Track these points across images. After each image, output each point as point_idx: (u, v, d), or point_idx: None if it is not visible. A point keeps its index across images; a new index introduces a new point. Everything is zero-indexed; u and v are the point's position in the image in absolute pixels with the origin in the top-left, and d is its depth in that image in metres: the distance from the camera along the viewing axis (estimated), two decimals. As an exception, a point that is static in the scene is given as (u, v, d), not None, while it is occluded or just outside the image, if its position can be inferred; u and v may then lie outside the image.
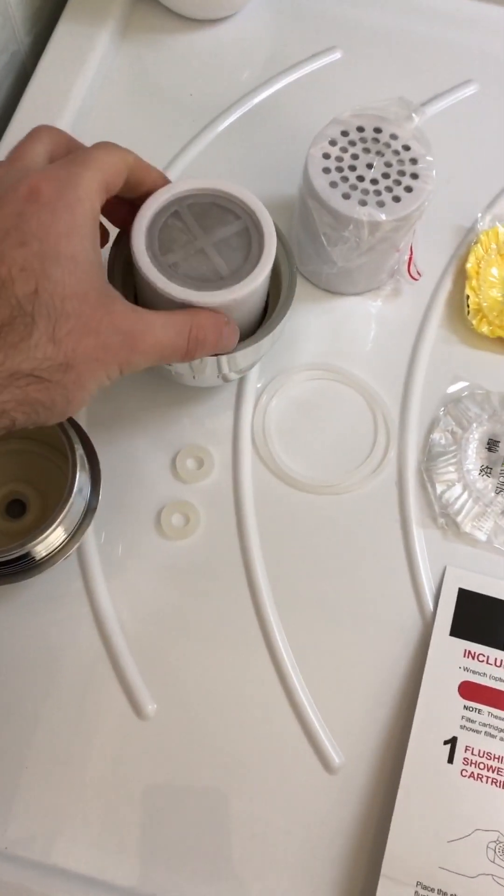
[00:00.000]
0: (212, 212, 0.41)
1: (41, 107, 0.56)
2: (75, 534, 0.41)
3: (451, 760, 0.41)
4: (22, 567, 0.40)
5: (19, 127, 0.55)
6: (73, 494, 0.40)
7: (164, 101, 0.59)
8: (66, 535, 0.41)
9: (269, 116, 0.59)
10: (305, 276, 0.53)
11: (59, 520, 0.39)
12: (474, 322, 0.51)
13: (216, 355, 0.42)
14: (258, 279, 0.39)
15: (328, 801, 0.42)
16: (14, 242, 0.32)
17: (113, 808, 0.41)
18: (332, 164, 0.46)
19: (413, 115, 0.47)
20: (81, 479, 0.41)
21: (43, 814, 0.41)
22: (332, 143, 0.47)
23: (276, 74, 0.60)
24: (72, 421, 0.43)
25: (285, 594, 0.46)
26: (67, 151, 0.37)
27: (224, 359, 0.43)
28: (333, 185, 0.46)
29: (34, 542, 0.39)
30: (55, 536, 0.40)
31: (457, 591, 0.46)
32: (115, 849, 0.41)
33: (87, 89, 0.57)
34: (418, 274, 0.52)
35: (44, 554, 0.40)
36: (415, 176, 0.46)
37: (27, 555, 0.39)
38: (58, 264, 0.32)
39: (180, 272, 0.39)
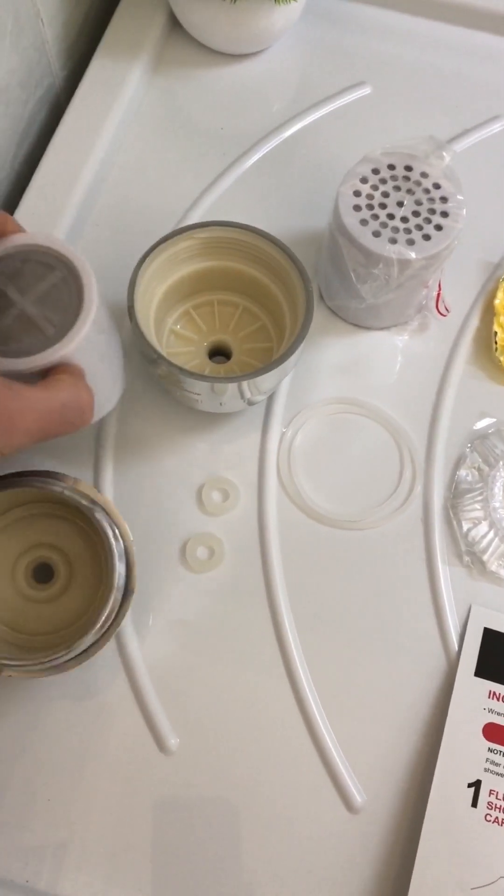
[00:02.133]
0: (25, 270, 0.37)
1: (74, 139, 0.56)
2: (114, 621, 0.41)
3: (475, 804, 0.41)
4: (77, 652, 0.40)
5: (53, 159, 0.56)
6: (112, 593, 0.40)
7: (194, 135, 0.59)
8: (105, 627, 0.41)
9: (298, 151, 0.59)
10: (332, 309, 0.53)
11: (99, 624, 0.39)
12: (502, 359, 0.51)
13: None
14: (82, 330, 0.36)
15: (349, 842, 0.42)
16: None
17: (131, 845, 0.41)
18: (362, 201, 0.47)
19: (443, 153, 0.47)
20: (118, 546, 0.41)
21: (64, 850, 0.41)
22: (363, 180, 0.47)
23: (306, 109, 0.60)
24: (89, 489, 0.42)
25: (309, 629, 0.45)
26: None
27: (245, 383, 0.43)
28: (364, 222, 0.46)
29: (76, 649, 0.39)
30: (112, 605, 0.40)
31: (482, 630, 0.45)
32: (132, 885, 0.40)
33: (119, 122, 0.58)
34: (446, 310, 0.53)
35: (83, 648, 0.40)
36: (445, 214, 0.46)
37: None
38: None
39: (9, 341, 0.36)
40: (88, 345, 0.37)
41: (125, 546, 0.42)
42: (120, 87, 0.59)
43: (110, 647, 0.45)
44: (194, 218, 0.56)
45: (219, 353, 0.51)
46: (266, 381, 0.44)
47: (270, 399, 0.51)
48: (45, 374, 0.36)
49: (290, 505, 0.48)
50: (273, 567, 0.47)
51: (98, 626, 0.39)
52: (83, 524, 0.45)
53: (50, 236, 0.37)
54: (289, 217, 0.56)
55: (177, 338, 0.51)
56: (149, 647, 0.45)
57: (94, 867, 0.41)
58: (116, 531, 0.42)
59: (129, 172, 0.58)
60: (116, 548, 0.41)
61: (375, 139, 0.50)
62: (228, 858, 0.41)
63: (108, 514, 0.43)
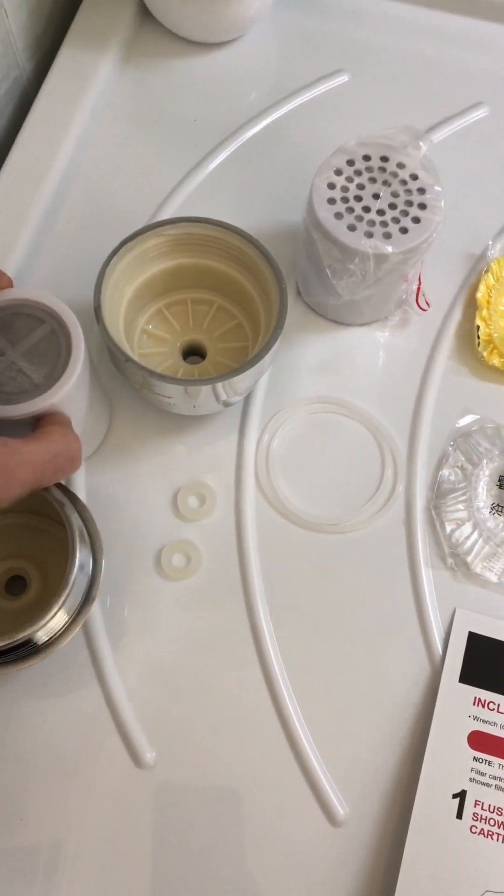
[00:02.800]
0: (16, 322, 0.39)
1: (43, 133, 0.55)
2: (79, 613, 0.40)
3: (459, 816, 0.40)
4: (23, 654, 0.38)
5: (21, 154, 0.54)
6: (73, 575, 0.38)
7: (167, 127, 0.58)
8: (68, 617, 0.39)
9: (274, 141, 0.58)
10: (311, 306, 0.52)
11: (59, 605, 0.38)
12: (485, 354, 0.50)
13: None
14: (70, 380, 0.38)
15: (332, 856, 0.40)
16: None
17: (108, 860, 0.40)
18: (337, 194, 0.45)
19: (420, 143, 0.46)
20: (82, 555, 0.39)
21: (43, 864, 0.40)
22: (338, 172, 0.46)
23: (283, 98, 0.59)
24: (64, 489, 0.41)
25: (289, 638, 0.44)
26: None
27: (220, 385, 0.42)
28: (339, 216, 0.45)
29: (34, 629, 0.37)
30: (56, 621, 0.39)
31: (466, 634, 0.44)
32: (111, 905, 0.39)
33: (89, 115, 0.56)
34: (427, 304, 0.51)
35: (45, 639, 0.39)
36: (423, 206, 0.45)
37: (28, 641, 0.38)
38: None
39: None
40: (75, 393, 0.39)
41: (93, 549, 0.41)
42: (89, 79, 0.57)
43: (83, 657, 0.43)
44: (168, 212, 0.54)
45: (193, 352, 0.50)
46: (241, 381, 0.43)
47: (248, 399, 0.49)
48: (34, 421, 0.38)
49: (268, 509, 0.47)
50: (252, 574, 0.45)
51: (55, 609, 0.38)
52: (57, 533, 0.44)
53: (41, 292, 0.40)
54: (265, 210, 0.55)
55: (149, 338, 0.49)
56: (123, 657, 0.43)
57: (65, 886, 0.40)
58: (85, 533, 0.41)
59: (100, 166, 0.56)
60: (77, 526, 0.39)
61: (354, 128, 0.48)
62: (207, 877, 0.40)
63: (82, 518, 0.41)
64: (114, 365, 0.46)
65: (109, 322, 0.43)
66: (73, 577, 0.38)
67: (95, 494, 0.47)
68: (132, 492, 0.47)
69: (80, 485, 0.47)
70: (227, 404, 0.47)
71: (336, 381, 0.50)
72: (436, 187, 0.45)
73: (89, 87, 0.57)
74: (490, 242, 0.53)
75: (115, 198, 0.55)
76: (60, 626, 0.39)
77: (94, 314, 0.43)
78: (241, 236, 0.45)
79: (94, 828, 0.41)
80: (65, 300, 0.40)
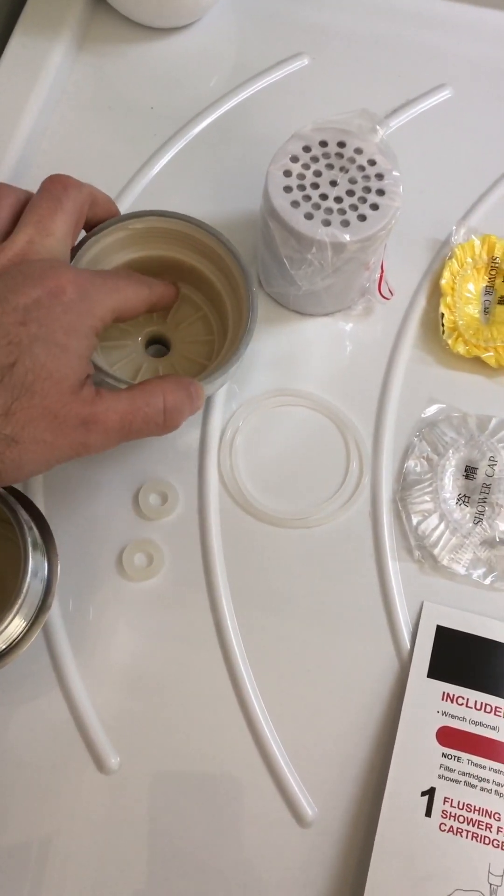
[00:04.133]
0: None
1: (-6, 124, 0.53)
2: (37, 618, 0.39)
3: (428, 813, 0.39)
4: None
5: (-28, 146, 0.53)
6: (27, 583, 0.37)
7: (124, 115, 0.56)
8: (26, 623, 0.38)
9: (234, 128, 0.56)
10: (272, 296, 0.51)
11: (14, 612, 0.37)
12: (450, 341, 0.49)
13: None
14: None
15: (301, 857, 0.40)
16: (16, 320, 0.33)
17: (71, 867, 0.39)
18: (293, 181, 0.44)
19: (377, 127, 0.45)
20: (35, 561, 0.38)
21: (7, 874, 0.39)
22: (294, 159, 0.45)
23: (242, 83, 0.57)
24: (17, 493, 0.40)
25: (254, 635, 0.43)
26: (84, 218, 0.41)
27: None
28: (295, 204, 0.43)
29: None
30: (13, 627, 0.37)
31: (435, 628, 0.43)
32: (76, 915, 0.39)
33: (42, 106, 0.55)
34: (390, 293, 0.50)
35: (3, 647, 0.38)
36: (381, 192, 0.44)
37: None
38: (46, 347, 0.33)
39: None
40: None
41: (48, 554, 0.40)
42: (42, 68, 0.55)
43: (44, 663, 0.42)
44: (126, 202, 0.53)
45: (156, 342, 0.49)
46: (211, 386, 0.42)
47: (209, 399, 0.48)
48: None
49: (232, 505, 0.46)
50: (216, 572, 0.44)
51: (11, 617, 0.37)
52: (9, 533, 0.43)
53: None
54: (225, 199, 0.54)
55: (112, 329, 0.48)
56: (85, 661, 0.43)
57: (19, 891, 0.39)
58: (39, 539, 0.40)
59: (55, 158, 0.54)
60: (28, 532, 0.38)
61: (314, 113, 0.47)
62: (173, 880, 0.39)
63: (36, 523, 0.40)
64: None
65: None
66: (26, 585, 0.37)
67: (54, 494, 0.46)
68: (92, 491, 0.46)
69: (38, 484, 0.46)
70: None
71: (299, 372, 0.49)
72: (394, 172, 0.44)
73: (42, 75, 0.55)
74: (454, 228, 0.52)
75: (70, 189, 0.53)
76: (17, 634, 0.38)
77: None
78: (208, 232, 0.45)
79: (57, 835, 0.40)
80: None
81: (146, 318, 0.48)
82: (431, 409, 0.48)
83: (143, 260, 0.47)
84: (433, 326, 0.50)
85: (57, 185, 0.39)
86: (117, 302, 0.38)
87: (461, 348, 0.49)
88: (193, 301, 0.49)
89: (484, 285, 0.51)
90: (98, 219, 0.43)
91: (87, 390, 0.35)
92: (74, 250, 0.43)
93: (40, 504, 0.45)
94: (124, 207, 0.53)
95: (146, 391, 0.38)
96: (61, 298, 0.34)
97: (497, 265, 0.51)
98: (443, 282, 0.50)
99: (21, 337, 0.33)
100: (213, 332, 0.48)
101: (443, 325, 0.49)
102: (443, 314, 0.50)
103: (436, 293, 0.51)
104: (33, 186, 0.53)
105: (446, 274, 0.51)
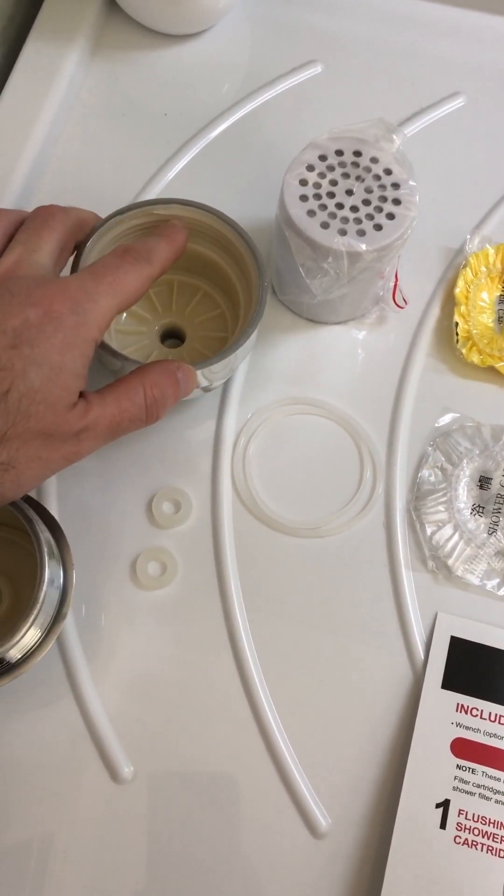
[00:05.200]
0: None
1: (8, 131, 0.53)
2: (52, 627, 0.39)
3: (443, 826, 0.39)
4: None
5: (-14, 152, 0.53)
6: (43, 592, 0.37)
7: (138, 122, 0.56)
8: (41, 632, 0.38)
9: (247, 135, 0.56)
10: (286, 304, 0.51)
11: (30, 622, 0.37)
12: (464, 351, 0.49)
13: None
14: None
15: (315, 869, 0.40)
16: (7, 343, 0.32)
17: (85, 878, 0.39)
18: (309, 191, 0.44)
19: (394, 136, 0.45)
20: (51, 570, 0.38)
21: (23, 883, 0.39)
22: (310, 168, 0.45)
23: (255, 90, 0.57)
24: (33, 502, 0.40)
25: (267, 645, 0.43)
26: (75, 237, 0.40)
27: (199, 371, 0.41)
28: (311, 213, 0.43)
29: (6, 648, 0.36)
30: (29, 637, 0.37)
31: (449, 639, 0.43)
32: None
33: (56, 112, 0.55)
34: (404, 301, 0.50)
35: (18, 657, 0.38)
36: (397, 202, 0.44)
37: (1, 660, 0.37)
38: (39, 370, 0.33)
39: None
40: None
41: (63, 563, 0.40)
42: (56, 74, 0.55)
43: (58, 671, 0.42)
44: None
45: (172, 335, 0.49)
46: (213, 372, 0.42)
47: (222, 402, 0.48)
48: None
49: (245, 514, 0.46)
50: (229, 581, 0.44)
51: (27, 626, 0.37)
52: (25, 542, 0.43)
53: None
54: (239, 206, 0.53)
55: (129, 315, 0.48)
56: (99, 670, 0.42)
57: (46, 908, 0.39)
58: (55, 547, 0.40)
59: (68, 164, 0.54)
60: (45, 538, 0.38)
61: (328, 120, 0.47)
62: (185, 890, 0.39)
63: (51, 531, 0.40)
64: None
65: None
66: (42, 594, 0.37)
67: (67, 501, 0.46)
68: (106, 498, 0.46)
69: (52, 491, 0.46)
70: (207, 390, 0.46)
71: (312, 381, 0.49)
72: (410, 182, 0.44)
73: (56, 81, 0.55)
74: (468, 237, 0.52)
75: (83, 195, 0.53)
76: (33, 643, 0.38)
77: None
78: (230, 226, 0.45)
79: (70, 844, 0.40)
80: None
81: (165, 308, 0.49)
82: (445, 419, 0.48)
83: None
84: (447, 335, 0.50)
85: (43, 211, 0.39)
86: (116, 299, 0.36)
87: (475, 357, 0.49)
88: (213, 298, 0.49)
89: (498, 294, 0.51)
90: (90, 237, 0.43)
91: (80, 404, 0.35)
92: (91, 231, 0.43)
93: (54, 511, 0.45)
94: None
95: (129, 388, 0.38)
96: (52, 315, 0.33)
97: (511, 274, 0.51)
98: (457, 291, 0.50)
99: (14, 361, 0.32)
100: (228, 329, 0.48)
101: (457, 334, 0.49)
102: (457, 323, 0.49)
103: (450, 302, 0.51)
104: (47, 193, 0.53)
105: (460, 283, 0.51)
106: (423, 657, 0.43)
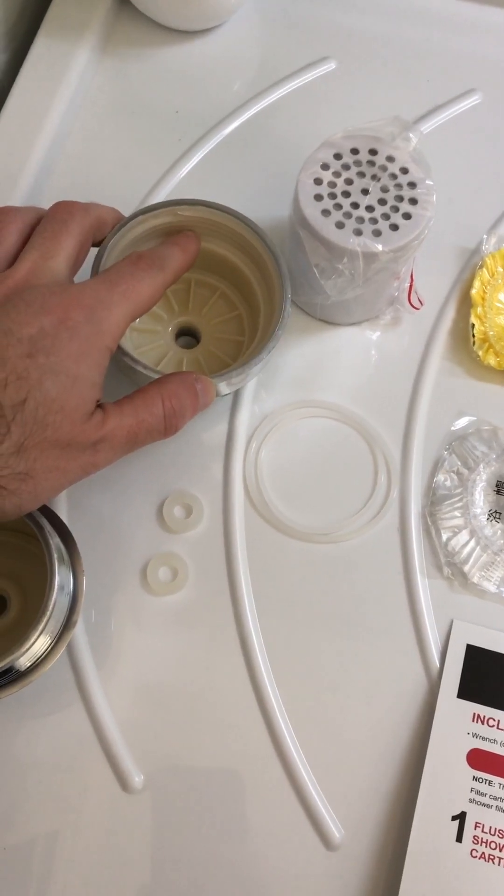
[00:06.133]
0: None
1: (17, 128, 0.53)
2: (62, 635, 0.38)
3: (459, 839, 0.38)
4: (5, 681, 0.36)
5: (-5, 150, 0.52)
6: (53, 599, 0.36)
7: (149, 119, 0.55)
8: (51, 640, 0.38)
9: (260, 133, 0.55)
10: (299, 305, 0.50)
11: (40, 629, 0.36)
12: (480, 353, 0.48)
13: None
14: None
15: (327, 882, 0.39)
16: (23, 352, 0.32)
17: (94, 889, 0.39)
18: (324, 190, 0.43)
19: (410, 135, 0.44)
20: (61, 577, 0.37)
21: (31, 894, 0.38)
22: (325, 167, 0.44)
23: (268, 87, 0.57)
24: (43, 507, 0.39)
25: (280, 652, 0.43)
26: (93, 237, 0.40)
27: (219, 382, 0.41)
28: (326, 213, 0.43)
29: (16, 656, 0.35)
30: (39, 645, 0.37)
31: (465, 647, 0.42)
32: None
33: (66, 108, 0.54)
34: (420, 302, 0.49)
35: (28, 665, 0.37)
36: (413, 201, 0.43)
37: (10, 669, 0.36)
38: (56, 379, 0.32)
39: None
40: None
41: (74, 569, 0.39)
42: (66, 70, 0.55)
43: (67, 678, 0.42)
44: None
45: (188, 334, 0.48)
46: (231, 384, 0.41)
47: (234, 405, 0.48)
48: None
49: (257, 519, 0.45)
50: (241, 587, 0.44)
51: (37, 633, 0.36)
52: (34, 549, 0.42)
53: None
54: (251, 205, 0.52)
55: (145, 314, 0.48)
56: (109, 677, 0.42)
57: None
58: (65, 553, 0.39)
59: (77, 163, 0.54)
60: (55, 545, 0.38)
61: (342, 118, 0.46)
62: (198, 905, 0.38)
63: (61, 537, 0.40)
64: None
65: None
66: (52, 601, 0.36)
67: (78, 506, 0.45)
68: (116, 503, 0.45)
69: (62, 497, 0.45)
70: (218, 393, 0.45)
71: (326, 383, 0.48)
72: (427, 181, 0.43)
73: (66, 78, 0.54)
74: (485, 236, 0.51)
75: (93, 193, 0.52)
76: (43, 651, 0.38)
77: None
78: (254, 231, 0.44)
79: (81, 855, 0.39)
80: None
81: (182, 307, 0.48)
82: (461, 422, 0.47)
83: None
84: (463, 337, 0.49)
85: (62, 209, 0.38)
86: (130, 307, 0.36)
87: (492, 360, 0.48)
88: (230, 300, 0.48)
89: (515, 295, 0.50)
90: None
91: (97, 414, 0.35)
92: (117, 229, 0.42)
93: (64, 516, 0.44)
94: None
95: (147, 399, 0.37)
96: (67, 324, 0.33)
97: (528, 275, 0.50)
98: (473, 291, 0.49)
99: (30, 370, 0.32)
100: (245, 332, 0.48)
101: (473, 335, 0.48)
102: (473, 324, 0.49)
103: (465, 303, 0.50)
104: (56, 191, 0.52)
105: (476, 283, 0.50)
106: (438, 666, 0.42)
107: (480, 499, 0.45)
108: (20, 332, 0.32)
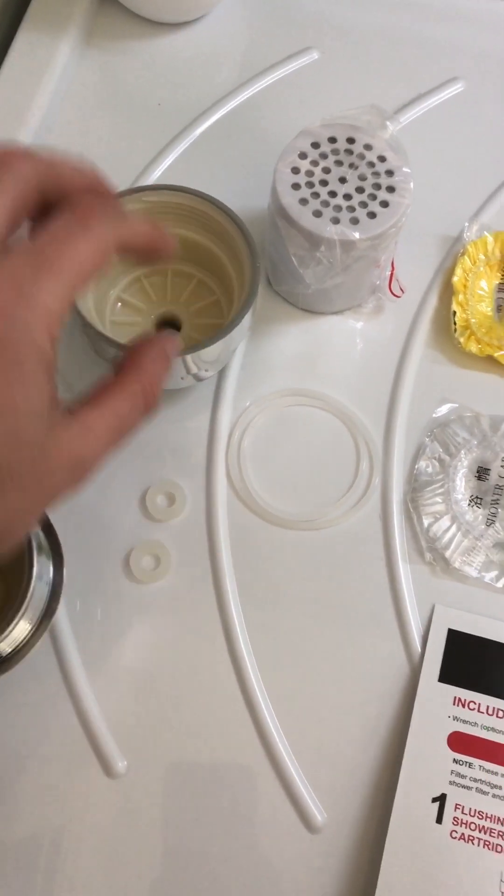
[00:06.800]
0: None
1: (1, 120, 0.53)
2: (42, 622, 0.38)
3: (439, 820, 0.39)
4: None
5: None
6: (32, 585, 0.37)
7: (132, 111, 0.56)
8: (31, 626, 0.38)
9: (243, 124, 0.56)
10: (281, 295, 0.50)
11: (19, 616, 0.36)
12: (462, 340, 0.48)
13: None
14: None
15: (310, 864, 0.39)
16: None
17: (78, 874, 0.39)
18: (301, 179, 0.43)
19: (387, 123, 0.44)
20: (40, 565, 0.38)
21: (14, 878, 0.39)
22: (302, 156, 0.44)
23: (250, 79, 0.57)
24: None
25: (262, 638, 0.43)
26: (40, 194, 0.28)
27: (189, 357, 0.41)
28: (303, 202, 0.43)
29: None
30: (19, 631, 0.37)
31: (446, 631, 0.43)
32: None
33: (49, 101, 0.54)
34: (401, 290, 0.49)
35: (9, 650, 0.37)
36: (391, 189, 0.43)
37: None
38: None
39: None
40: None
41: (54, 556, 0.39)
42: (48, 65, 0.55)
43: (51, 664, 0.42)
44: (133, 202, 0.53)
45: (168, 324, 0.49)
46: (204, 359, 0.41)
47: (217, 394, 0.48)
48: None
49: (240, 507, 0.46)
50: (224, 574, 0.44)
51: (16, 620, 0.37)
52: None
53: None
54: (235, 196, 0.52)
55: (124, 306, 0.48)
56: (92, 663, 0.42)
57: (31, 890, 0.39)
58: (44, 541, 0.39)
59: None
60: (38, 563, 0.38)
61: (325, 108, 0.46)
62: (180, 884, 0.39)
63: (41, 524, 0.40)
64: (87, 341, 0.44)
65: None
66: (31, 590, 0.37)
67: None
68: (99, 492, 0.46)
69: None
70: (197, 378, 0.45)
71: (309, 372, 0.49)
72: (404, 169, 0.43)
73: (48, 72, 0.55)
74: (466, 224, 0.51)
75: (77, 187, 0.53)
76: (23, 638, 0.38)
77: None
78: (221, 210, 0.44)
79: (66, 839, 0.39)
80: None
81: (161, 298, 0.48)
82: (443, 409, 0.48)
83: None
84: (445, 325, 0.49)
85: None
86: (63, 293, 0.26)
87: (474, 347, 0.48)
88: (207, 285, 0.48)
89: (497, 283, 0.50)
90: (66, 191, 0.29)
91: (63, 438, 0.27)
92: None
93: (47, 506, 0.45)
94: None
95: (125, 387, 0.30)
96: None
97: (510, 262, 0.50)
98: (455, 279, 0.50)
99: None
100: (224, 315, 0.48)
101: (455, 323, 0.49)
102: (455, 312, 0.49)
103: (448, 291, 0.50)
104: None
105: (458, 271, 0.50)
106: (420, 650, 0.43)
107: (462, 485, 0.45)
108: None
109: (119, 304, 0.48)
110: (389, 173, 0.43)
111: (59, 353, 0.48)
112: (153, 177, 0.53)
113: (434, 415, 0.47)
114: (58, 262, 0.26)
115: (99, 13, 0.58)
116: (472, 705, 0.41)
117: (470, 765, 0.39)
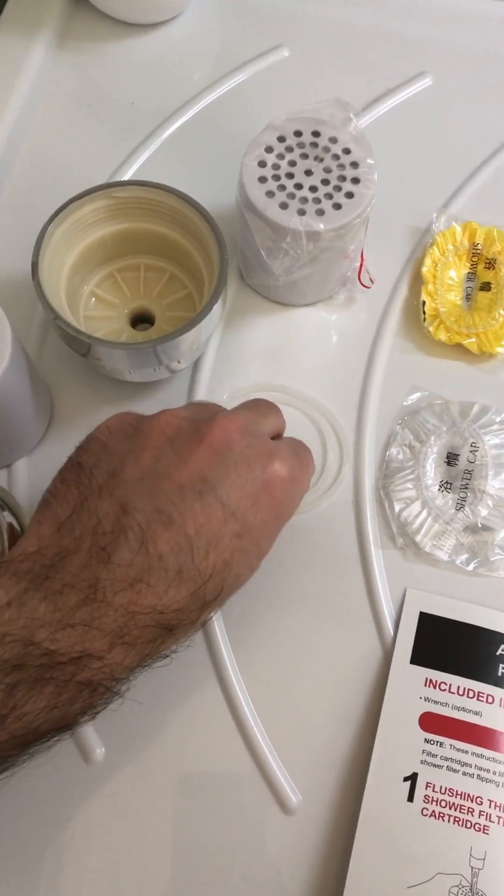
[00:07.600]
0: None
1: (-24, 124, 0.54)
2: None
3: (411, 798, 0.39)
4: None
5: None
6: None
7: (105, 112, 0.56)
8: None
9: (215, 121, 0.56)
10: (253, 287, 0.51)
11: None
12: (431, 329, 0.49)
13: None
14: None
15: (285, 844, 0.40)
16: (235, 531, 0.33)
17: (55, 858, 0.40)
18: (268, 172, 0.44)
19: (351, 116, 0.45)
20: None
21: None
22: (268, 150, 0.45)
23: (222, 77, 0.58)
24: None
25: (236, 623, 0.44)
26: None
27: (160, 348, 0.42)
28: (270, 194, 0.44)
29: None
30: None
31: (417, 614, 0.43)
32: (62, 904, 0.39)
33: (23, 103, 0.55)
34: (371, 281, 0.50)
35: None
36: (356, 181, 0.44)
37: None
38: (245, 561, 0.35)
39: None
40: (6, 385, 0.39)
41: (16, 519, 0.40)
42: (22, 67, 0.56)
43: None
44: (108, 200, 0.53)
45: (143, 320, 0.49)
46: (175, 348, 0.42)
47: (191, 387, 0.49)
48: None
49: (215, 496, 0.46)
50: (198, 562, 0.44)
51: None
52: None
53: None
54: (207, 192, 0.53)
55: (98, 301, 0.49)
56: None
57: (8, 889, 0.39)
58: (19, 531, 0.40)
59: (35, 156, 0.55)
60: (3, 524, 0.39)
61: (295, 104, 0.47)
62: (157, 869, 0.39)
63: (15, 516, 0.41)
64: (59, 335, 0.45)
65: (46, 279, 0.42)
66: None
67: (40, 492, 0.46)
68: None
69: (23, 480, 0.46)
70: (170, 370, 0.46)
71: (282, 364, 0.49)
72: (368, 160, 0.44)
73: (22, 74, 0.55)
74: (435, 216, 0.52)
75: (51, 187, 0.54)
76: None
77: (31, 269, 0.42)
78: (188, 203, 0.45)
79: (41, 822, 0.40)
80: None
81: (134, 293, 0.49)
82: (414, 397, 0.48)
83: (127, 232, 0.47)
84: (415, 314, 0.50)
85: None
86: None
87: (443, 335, 0.49)
88: (179, 279, 0.49)
89: (466, 272, 0.51)
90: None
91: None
92: (55, 213, 0.43)
93: (24, 495, 0.45)
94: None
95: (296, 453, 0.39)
96: (273, 493, 0.36)
97: (479, 252, 0.51)
98: (424, 269, 0.50)
99: (234, 556, 0.34)
100: (195, 308, 0.49)
101: (424, 312, 0.49)
102: (424, 301, 0.50)
103: (417, 281, 0.51)
104: (15, 181, 0.53)
105: (427, 261, 0.51)
106: (392, 633, 0.43)
107: (432, 470, 0.46)
108: (240, 503, 0.33)
109: (93, 298, 0.49)
110: (354, 165, 0.44)
111: (34, 348, 0.49)
112: (127, 175, 0.54)
113: (405, 403, 0.48)
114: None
115: (72, 15, 0.59)
116: (443, 686, 0.41)
117: (441, 744, 0.40)
